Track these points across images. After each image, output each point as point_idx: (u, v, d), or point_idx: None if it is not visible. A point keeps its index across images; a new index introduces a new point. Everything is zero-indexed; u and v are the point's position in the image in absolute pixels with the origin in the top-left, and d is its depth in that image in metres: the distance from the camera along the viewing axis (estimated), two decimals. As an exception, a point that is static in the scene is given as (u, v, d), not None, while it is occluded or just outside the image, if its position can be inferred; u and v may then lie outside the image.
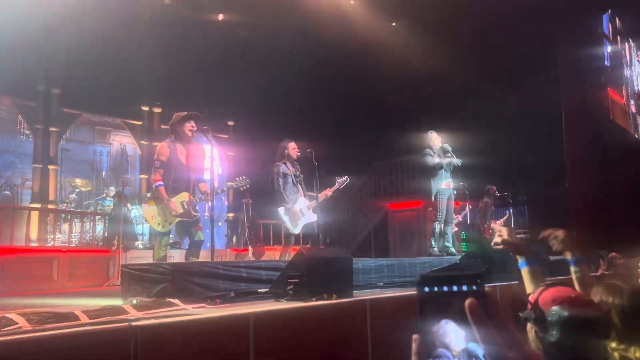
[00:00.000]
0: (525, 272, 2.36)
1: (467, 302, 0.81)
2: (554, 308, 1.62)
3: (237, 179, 6.42)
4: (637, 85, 13.90)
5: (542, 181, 12.61)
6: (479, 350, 0.79)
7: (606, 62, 12.81)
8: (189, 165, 5.88)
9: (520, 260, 2.39)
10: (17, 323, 2.61)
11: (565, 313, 1.59)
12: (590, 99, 12.13)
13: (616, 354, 1.66)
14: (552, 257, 7.65)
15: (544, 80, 12.14)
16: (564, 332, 1.58)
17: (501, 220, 11.55)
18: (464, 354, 0.80)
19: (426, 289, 0.84)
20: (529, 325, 1.72)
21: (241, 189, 6.48)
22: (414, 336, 0.83)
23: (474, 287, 0.83)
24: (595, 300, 1.83)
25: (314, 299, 3.97)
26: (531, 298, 1.74)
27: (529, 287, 2.29)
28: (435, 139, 8.39)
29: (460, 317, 0.81)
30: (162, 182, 5.74)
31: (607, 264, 7.58)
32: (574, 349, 1.57)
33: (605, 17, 13.15)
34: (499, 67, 12.15)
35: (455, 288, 0.83)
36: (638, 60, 14.23)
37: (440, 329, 0.82)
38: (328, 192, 7.12)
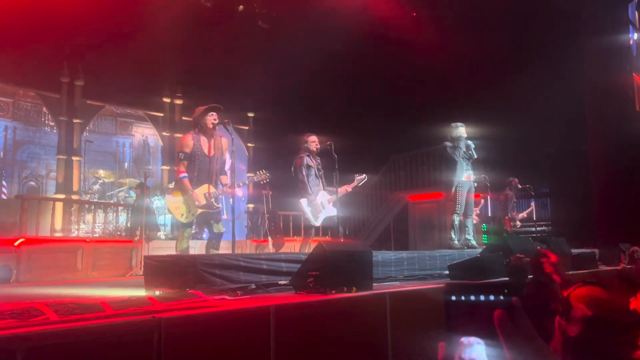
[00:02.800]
0: None
1: (496, 314, 0.82)
2: (580, 305, 1.64)
3: (258, 172, 6.47)
4: None
5: (565, 173, 12.45)
6: None
7: (633, 50, 12.58)
8: (211, 157, 5.94)
9: None
10: (44, 314, 2.67)
11: (590, 312, 1.60)
12: (614, 88, 11.92)
13: None
14: (574, 250, 7.62)
15: (567, 71, 11.96)
16: (584, 330, 1.59)
17: (524, 212, 11.44)
18: None
19: (453, 298, 0.85)
20: (557, 318, 1.73)
21: (261, 182, 6.52)
22: (441, 344, 0.85)
23: (502, 298, 0.84)
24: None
25: (333, 291, 3.99)
26: (565, 292, 1.75)
27: None
28: (461, 132, 8.30)
29: (487, 329, 0.82)
30: (186, 174, 5.80)
31: (628, 258, 7.50)
32: (592, 348, 1.58)
33: (631, 6, 12.91)
34: (522, 57, 12.00)
35: (483, 298, 0.85)
36: None
37: (468, 344, 0.84)
38: (348, 187, 7.13)
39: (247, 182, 7.33)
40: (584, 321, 1.59)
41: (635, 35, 12.89)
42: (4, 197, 12.81)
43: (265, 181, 6.43)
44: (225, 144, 6.15)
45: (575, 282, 1.81)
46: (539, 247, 6.67)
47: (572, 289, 1.76)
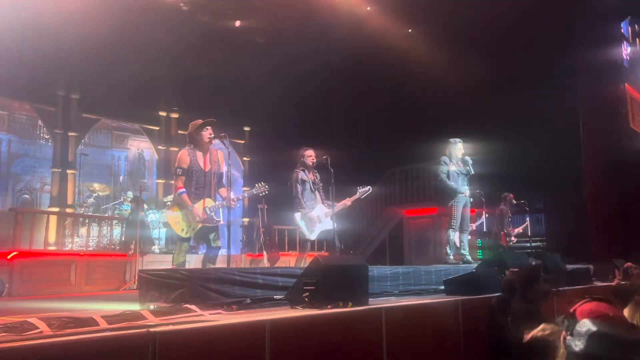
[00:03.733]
0: None
1: None
2: (585, 320, 1.64)
3: (257, 185, 6.45)
4: None
5: (559, 189, 12.49)
6: None
7: (625, 63, 12.70)
8: (208, 172, 5.94)
9: None
10: (38, 328, 2.65)
11: (595, 328, 1.60)
12: (608, 105, 12.00)
13: None
14: (569, 266, 7.62)
15: (562, 87, 12.05)
16: (589, 344, 1.59)
17: (520, 227, 11.45)
18: None
19: None
20: (563, 333, 1.73)
21: (260, 195, 6.50)
22: None
23: None
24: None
25: (329, 306, 3.97)
26: (572, 307, 1.76)
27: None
28: (459, 149, 8.29)
29: None
30: (184, 190, 5.79)
31: (622, 273, 7.49)
32: None
33: (624, 23, 13.06)
34: (516, 74, 12.07)
35: None
36: None
37: None
38: (347, 201, 7.08)
39: (245, 195, 7.29)
40: (589, 336, 1.59)
41: (629, 49, 13.03)
42: (-3, 210, 12.73)
43: (264, 193, 6.41)
44: (221, 157, 6.14)
45: (581, 298, 1.81)
46: (533, 262, 6.67)
47: (579, 304, 1.75)
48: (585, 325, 1.64)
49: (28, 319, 2.74)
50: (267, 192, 6.39)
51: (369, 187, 7.30)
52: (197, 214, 5.75)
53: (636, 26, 13.59)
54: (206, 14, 12.38)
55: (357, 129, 13.75)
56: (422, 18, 12.27)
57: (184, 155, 5.89)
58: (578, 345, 1.62)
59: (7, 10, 9.78)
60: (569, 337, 1.68)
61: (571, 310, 1.75)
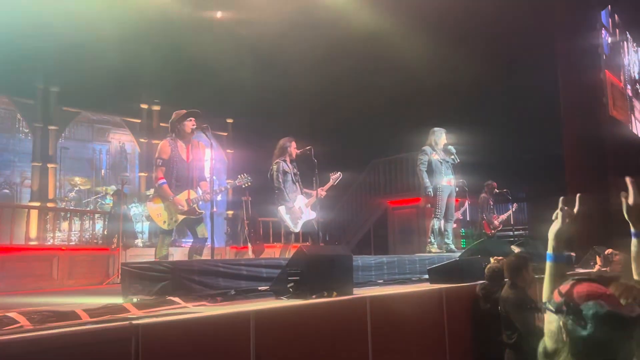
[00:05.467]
0: (550, 266, 2.28)
1: None
2: (590, 302, 1.63)
3: (240, 176, 6.41)
4: (633, 72, 14.43)
5: (541, 178, 12.60)
6: None
7: (605, 50, 12.83)
8: (190, 163, 5.89)
9: (549, 252, 2.30)
10: (18, 322, 2.61)
11: (604, 309, 1.61)
12: (588, 94, 12.10)
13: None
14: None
15: (543, 77, 12.13)
16: (599, 327, 1.59)
17: (503, 215, 11.54)
18: None
19: None
20: (549, 317, 1.71)
21: (243, 186, 6.46)
22: None
23: None
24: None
25: (314, 296, 3.97)
26: (562, 289, 1.74)
27: (549, 281, 2.23)
28: (442, 138, 8.31)
29: None
30: (165, 180, 5.73)
31: (603, 260, 7.59)
32: (605, 345, 1.58)
33: (604, 12, 13.17)
34: (498, 64, 12.12)
35: None
36: (634, 50, 14.70)
37: None
38: (321, 191, 6.99)
39: (228, 187, 7.23)
40: (598, 318, 1.59)
41: (609, 39, 13.17)
42: (-24, 205, 12.55)
43: (246, 185, 6.37)
44: (203, 150, 6.10)
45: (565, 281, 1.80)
46: (515, 249, 6.73)
47: (568, 286, 1.74)
48: (591, 307, 1.64)
49: (7, 314, 2.71)
50: (250, 184, 6.36)
51: (339, 173, 7.29)
52: (179, 203, 5.71)
53: (616, 16, 13.72)
54: (187, 5, 12.28)
55: (340, 120, 13.72)
56: (405, 9, 12.23)
57: (165, 146, 5.83)
58: (589, 329, 1.61)
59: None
60: (570, 322, 1.66)
61: (563, 292, 1.74)
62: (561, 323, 1.68)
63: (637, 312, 1.66)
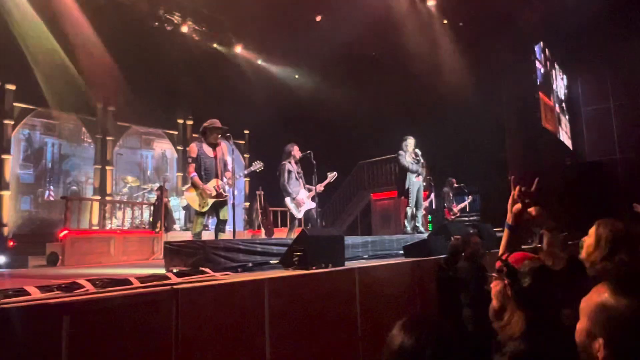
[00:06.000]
0: (506, 233, 2.25)
1: None
2: (525, 262, 1.65)
3: (254, 163, 6.46)
4: (560, 94, 14.64)
5: (490, 175, 12.54)
6: None
7: (539, 77, 12.82)
8: (215, 157, 5.88)
9: (508, 223, 2.26)
10: (84, 287, 2.61)
11: (536, 264, 1.62)
12: (526, 108, 12.13)
13: None
14: (498, 233, 7.70)
15: (491, 97, 12.19)
16: (534, 278, 1.60)
17: (461, 204, 11.54)
18: None
19: None
20: (495, 282, 1.71)
21: (257, 171, 6.47)
22: None
23: None
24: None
25: (314, 267, 3.98)
26: (503, 257, 1.74)
27: (503, 245, 2.20)
28: (411, 144, 8.33)
29: None
30: (195, 173, 5.76)
31: (537, 238, 7.59)
32: (541, 293, 1.59)
33: (538, 47, 13.14)
34: (460, 87, 11.92)
35: None
36: (560, 77, 14.94)
37: None
38: (320, 187, 6.96)
39: (246, 172, 7.16)
40: (533, 271, 1.60)
41: (542, 69, 13.17)
42: (52, 199, 12.53)
43: (259, 170, 6.39)
44: (225, 149, 6.07)
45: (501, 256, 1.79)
46: (470, 230, 6.73)
47: (506, 255, 1.74)
48: (526, 265, 1.65)
49: (77, 281, 2.71)
50: (262, 168, 6.39)
51: (334, 172, 7.28)
52: (209, 190, 5.72)
53: (547, 50, 13.72)
54: (208, 38, 12.36)
55: (334, 127, 13.57)
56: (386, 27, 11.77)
57: (193, 147, 5.88)
58: (526, 281, 1.63)
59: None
60: (510, 282, 1.67)
61: (504, 258, 1.74)
62: (503, 284, 1.69)
63: (560, 266, 1.68)
